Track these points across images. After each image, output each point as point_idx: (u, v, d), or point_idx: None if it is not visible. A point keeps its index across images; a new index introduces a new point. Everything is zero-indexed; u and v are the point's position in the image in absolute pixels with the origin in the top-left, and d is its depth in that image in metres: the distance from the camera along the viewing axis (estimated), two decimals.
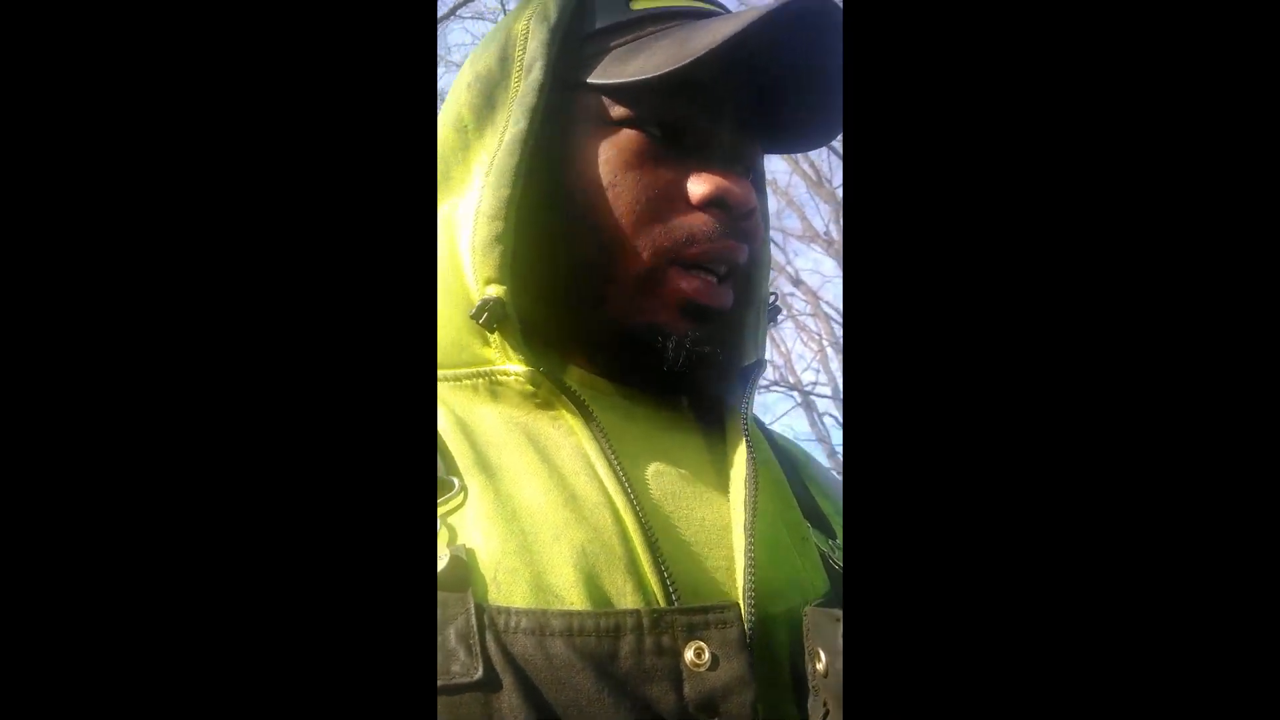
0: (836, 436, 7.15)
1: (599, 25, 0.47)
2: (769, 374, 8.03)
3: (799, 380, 7.47)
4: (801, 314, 7.56)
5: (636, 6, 0.47)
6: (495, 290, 0.43)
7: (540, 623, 0.34)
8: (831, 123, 0.51)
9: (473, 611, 0.34)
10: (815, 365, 7.51)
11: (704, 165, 0.46)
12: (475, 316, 0.43)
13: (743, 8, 0.49)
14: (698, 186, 0.46)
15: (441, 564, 0.34)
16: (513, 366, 0.44)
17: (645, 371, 0.47)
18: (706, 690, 0.34)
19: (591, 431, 0.42)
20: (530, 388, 0.44)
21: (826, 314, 7.18)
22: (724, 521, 0.42)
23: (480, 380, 0.45)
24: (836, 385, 7.12)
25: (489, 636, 0.33)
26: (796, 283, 7.15)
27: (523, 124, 0.44)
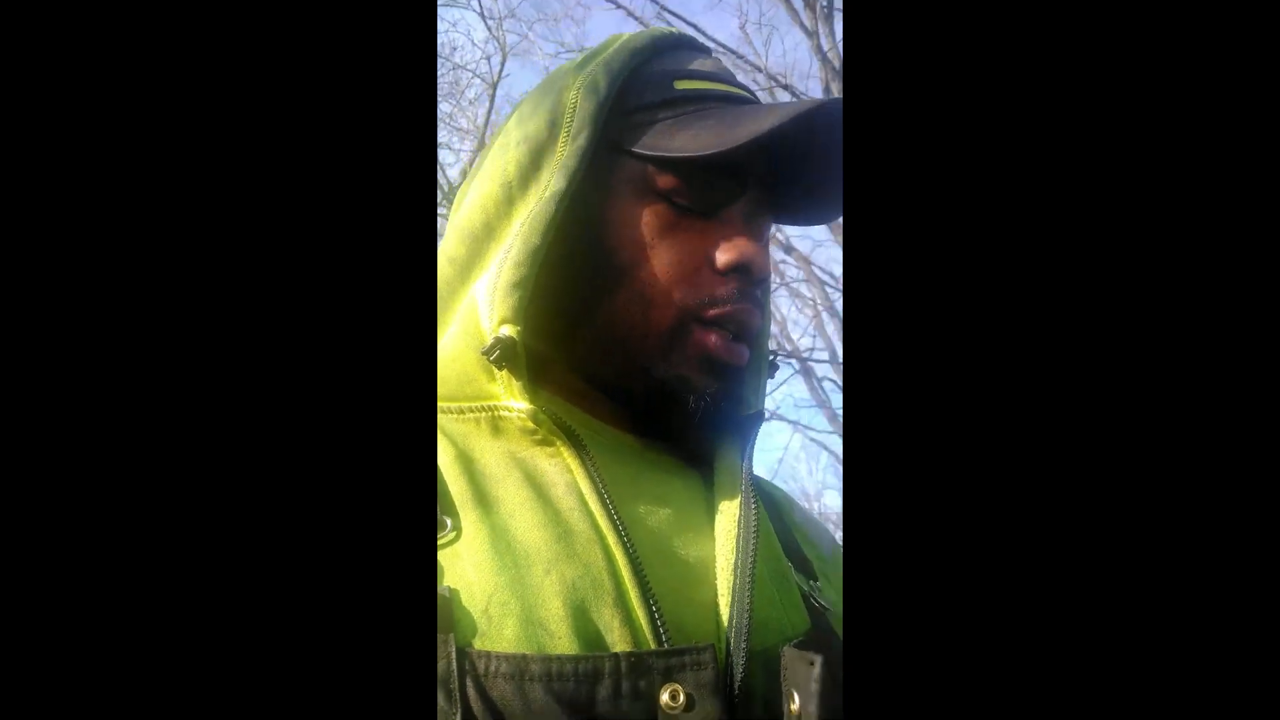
0: (836, 400, 7.17)
1: (645, 100, 0.52)
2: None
3: (796, 347, 7.47)
4: (795, 280, 7.54)
5: (680, 86, 0.52)
6: (509, 330, 0.46)
7: (520, 668, 0.35)
8: (834, 203, 0.56)
9: (453, 656, 0.34)
10: (811, 331, 7.52)
11: (729, 234, 0.51)
12: (487, 353, 0.46)
13: (771, 100, 0.54)
14: (723, 254, 0.50)
15: None
16: (515, 404, 0.47)
17: (658, 419, 0.51)
18: None
19: (586, 469, 0.45)
20: (531, 425, 0.47)
21: (820, 279, 7.16)
22: (710, 560, 0.45)
23: (484, 414, 0.48)
24: (834, 350, 7.12)
25: (468, 681, 0.34)
26: (788, 250, 7.11)
27: (562, 184, 0.48)
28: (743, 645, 0.39)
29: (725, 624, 0.41)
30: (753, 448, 0.52)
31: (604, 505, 0.43)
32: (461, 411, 0.49)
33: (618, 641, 0.38)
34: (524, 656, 0.35)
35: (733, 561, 0.43)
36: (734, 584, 0.42)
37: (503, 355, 0.45)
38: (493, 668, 0.35)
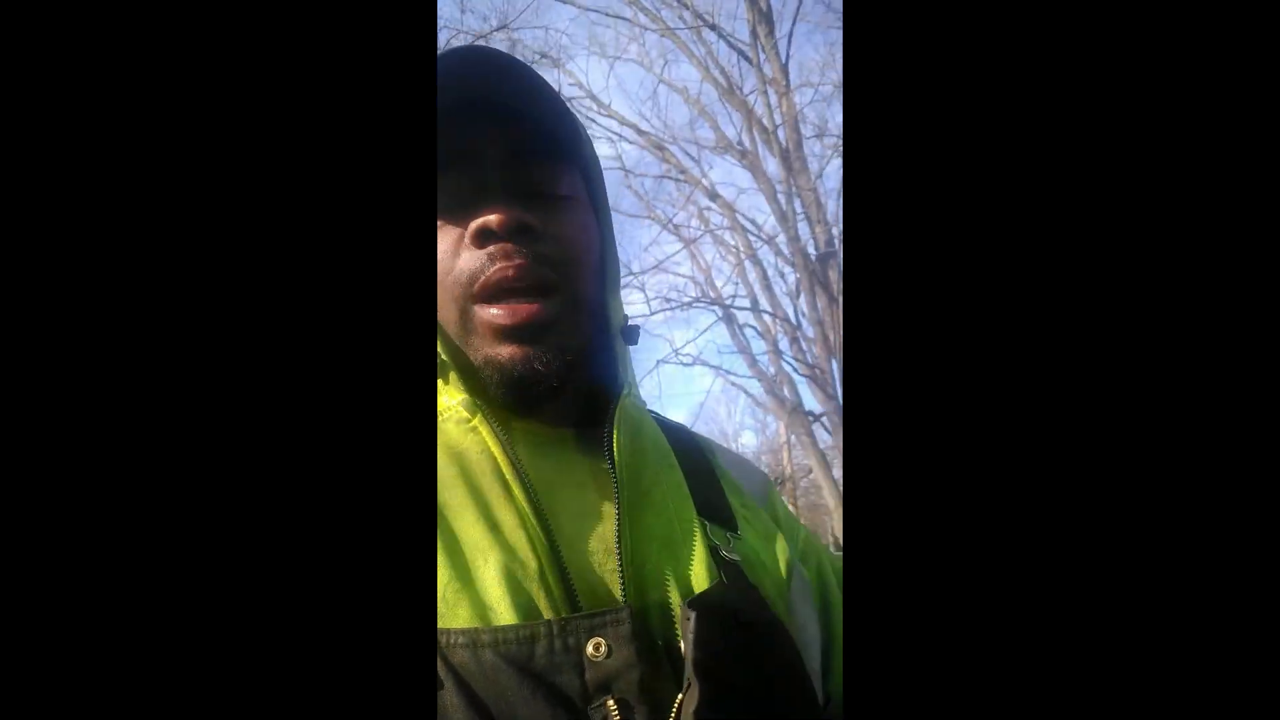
0: (758, 346, 7.27)
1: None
2: (691, 291, 8.06)
3: (719, 294, 7.51)
4: (719, 228, 7.55)
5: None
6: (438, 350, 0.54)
7: (473, 638, 0.43)
8: (539, 142, 0.57)
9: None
10: (734, 279, 7.56)
11: (471, 215, 0.53)
12: None
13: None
14: (470, 225, 0.53)
15: None
16: (449, 400, 0.53)
17: (528, 400, 0.54)
18: (603, 675, 0.43)
19: (509, 456, 0.50)
20: (465, 414, 0.52)
21: (743, 226, 7.17)
22: (611, 534, 0.51)
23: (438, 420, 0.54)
24: (755, 296, 7.18)
25: (439, 654, 0.43)
26: (713, 196, 7.10)
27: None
28: (637, 601, 0.48)
29: (619, 591, 0.48)
30: (613, 420, 0.55)
31: (525, 494, 0.49)
32: None
33: (545, 609, 0.45)
34: (475, 630, 0.43)
35: (615, 534, 0.51)
36: (618, 555, 0.49)
37: (439, 368, 0.54)
38: (452, 640, 0.43)
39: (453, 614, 0.44)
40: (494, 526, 0.48)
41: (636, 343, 0.62)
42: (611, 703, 0.43)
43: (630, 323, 0.61)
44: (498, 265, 0.52)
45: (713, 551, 0.52)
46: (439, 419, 0.52)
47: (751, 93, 7.00)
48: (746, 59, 6.88)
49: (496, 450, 0.50)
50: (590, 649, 0.43)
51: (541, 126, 0.56)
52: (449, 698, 0.41)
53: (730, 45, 6.90)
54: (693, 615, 0.45)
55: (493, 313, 0.52)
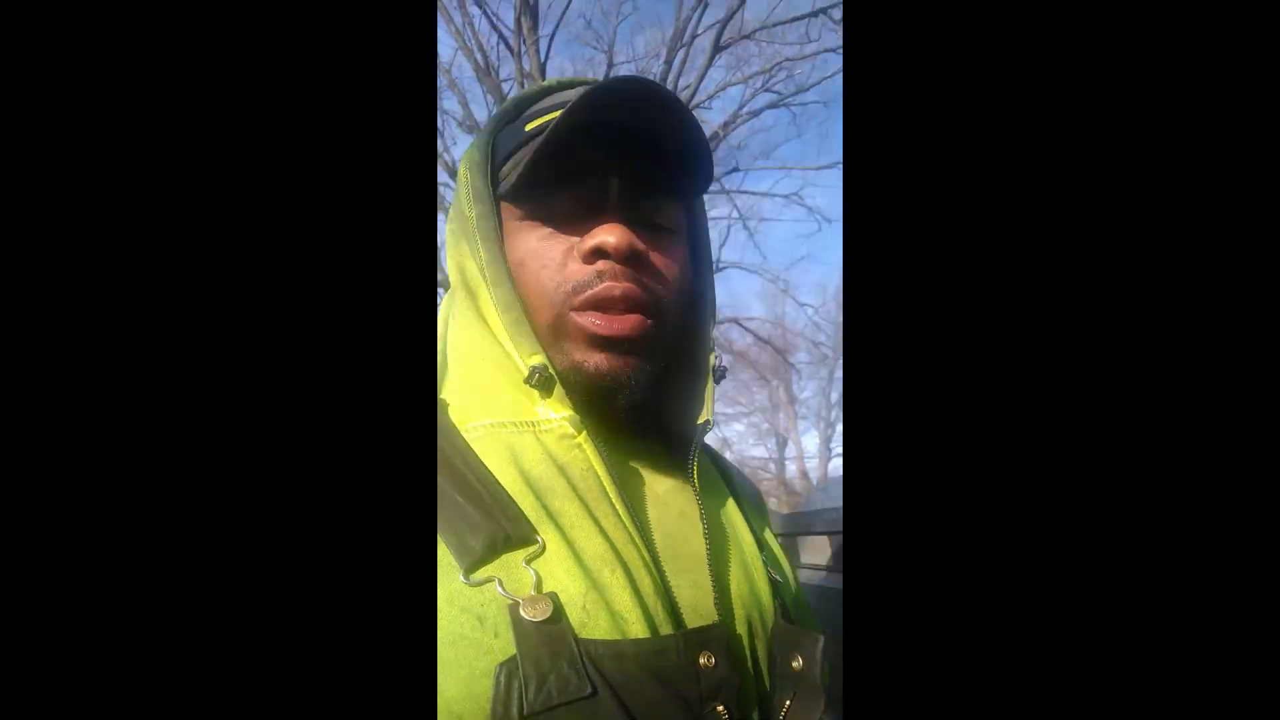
0: None
1: (504, 152, 0.60)
2: None
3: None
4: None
5: (528, 126, 0.59)
6: (537, 359, 0.54)
7: (619, 650, 0.46)
8: (688, 171, 0.60)
9: (574, 645, 0.45)
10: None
11: (587, 227, 0.56)
12: (528, 381, 0.54)
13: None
14: (583, 242, 0.56)
15: (546, 610, 0.46)
16: (554, 414, 0.55)
17: (602, 408, 0.56)
18: (713, 683, 0.48)
19: (612, 479, 0.53)
20: (570, 430, 0.54)
21: None
22: (700, 553, 0.56)
23: (529, 429, 0.55)
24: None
25: (587, 661, 0.45)
26: (452, 174, 6.89)
27: (486, 248, 0.58)
28: (731, 619, 0.54)
29: (713, 606, 0.53)
30: (697, 450, 0.59)
31: (628, 512, 0.52)
32: (516, 425, 0.55)
33: (664, 624, 0.49)
34: (618, 642, 0.46)
35: (705, 554, 0.56)
36: (710, 574, 0.55)
37: (542, 380, 0.54)
38: (597, 651, 0.45)
39: (594, 624, 0.47)
40: (609, 542, 0.51)
41: (720, 383, 0.64)
42: (720, 708, 0.48)
43: (720, 364, 0.64)
44: (605, 284, 0.55)
45: (772, 583, 0.59)
46: (536, 430, 0.54)
47: (507, 80, 6.90)
48: (508, 46, 6.77)
49: (600, 470, 0.54)
50: (702, 660, 0.48)
51: (677, 168, 0.59)
52: (604, 705, 0.44)
53: (493, 25, 6.76)
54: (821, 638, 0.53)
55: (593, 320, 0.55)
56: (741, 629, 0.54)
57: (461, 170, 0.62)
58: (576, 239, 0.56)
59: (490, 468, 0.52)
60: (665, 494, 0.59)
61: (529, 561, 0.48)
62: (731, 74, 7.49)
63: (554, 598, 0.47)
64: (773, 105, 7.62)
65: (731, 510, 0.63)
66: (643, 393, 0.56)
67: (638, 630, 0.48)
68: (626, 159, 0.57)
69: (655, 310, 0.57)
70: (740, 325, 9.58)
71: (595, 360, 0.55)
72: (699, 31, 6.84)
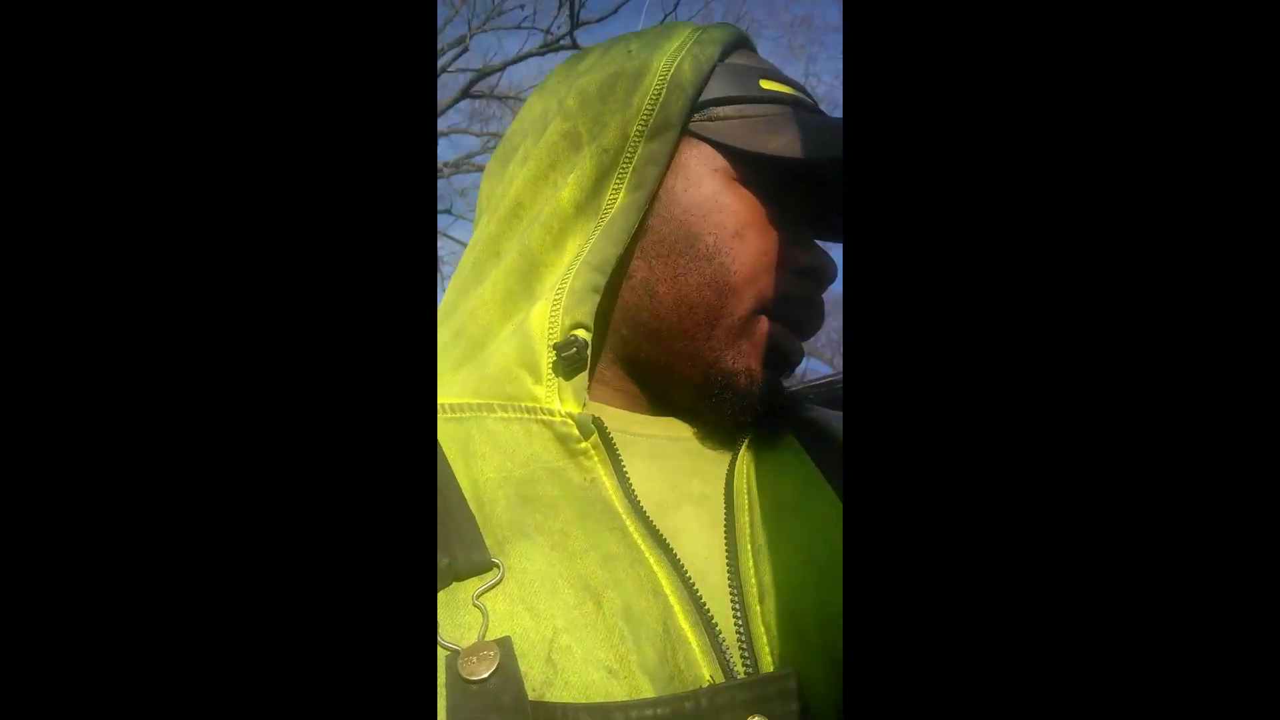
0: None
1: (729, 93, 0.50)
2: None
3: None
4: None
5: (765, 85, 0.51)
6: (583, 334, 0.44)
7: (603, 717, 0.32)
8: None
9: (529, 711, 0.32)
10: None
11: (806, 239, 0.52)
12: (560, 349, 0.44)
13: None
14: (805, 256, 0.50)
15: (490, 665, 0.33)
16: (560, 408, 0.44)
17: (707, 410, 0.49)
18: None
19: (621, 481, 0.43)
20: (574, 431, 0.44)
21: None
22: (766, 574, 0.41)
23: (521, 416, 0.45)
24: None
25: None
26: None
27: (642, 190, 0.47)
28: (811, 665, 0.36)
29: (766, 635, 0.37)
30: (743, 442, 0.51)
31: (639, 518, 0.41)
32: (510, 410, 0.45)
33: (674, 673, 0.35)
34: (603, 705, 0.32)
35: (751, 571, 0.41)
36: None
37: (572, 359, 0.44)
38: (568, 717, 0.32)
39: (565, 681, 0.33)
40: (606, 559, 0.38)
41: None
42: None
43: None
44: (813, 311, 0.52)
45: None
46: (535, 420, 0.44)
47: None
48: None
49: (607, 479, 0.42)
50: None
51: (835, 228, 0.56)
52: None
53: None
54: None
55: (782, 333, 0.50)
56: (825, 681, 0.36)
57: (636, 92, 0.49)
58: (792, 243, 0.50)
59: (458, 465, 0.42)
60: (712, 494, 0.46)
61: (479, 596, 0.36)
62: (470, 123, 7.40)
63: (503, 646, 0.34)
64: None
65: (818, 514, 0.46)
66: (757, 409, 0.49)
67: (635, 691, 0.33)
68: (836, 197, 0.53)
69: (808, 337, 0.54)
70: None
71: (764, 375, 0.49)
72: (449, 69, 6.65)
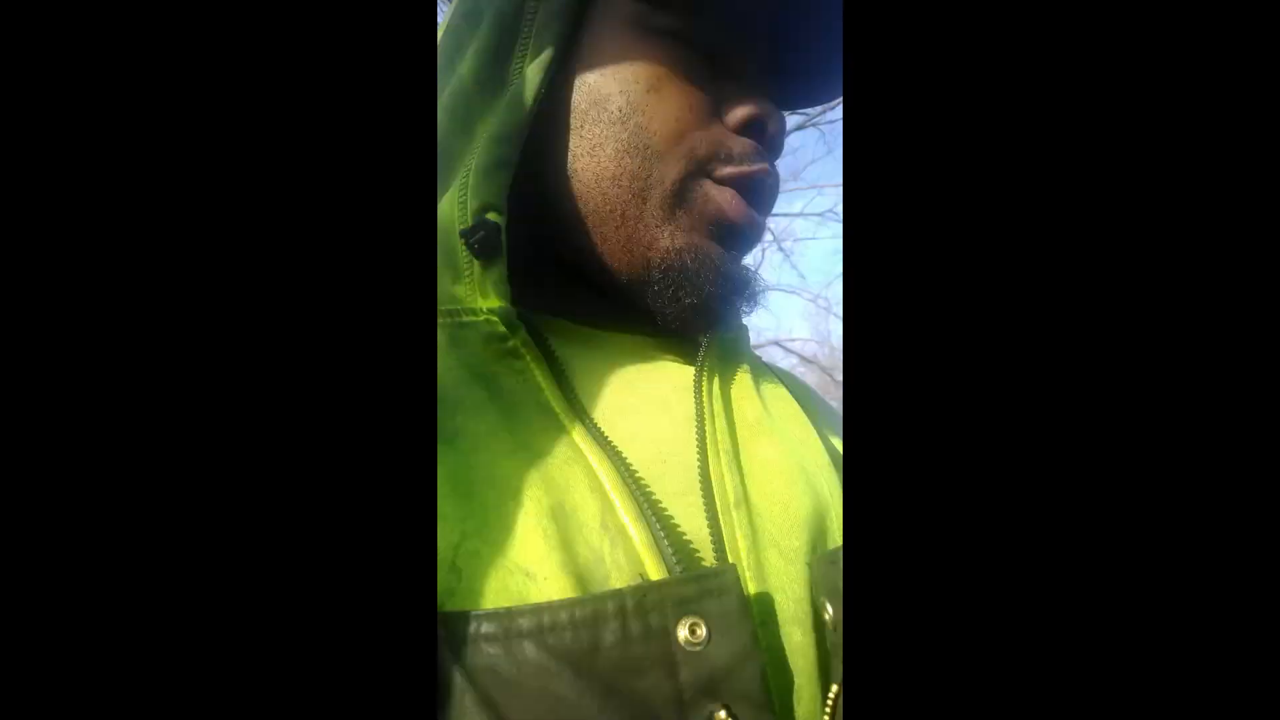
0: None
1: None
2: None
3: None
4: None
5: None
6: (494, 217, 0.39)
7: (505, 625, 0.28)
8: (828, 81, 0.50)
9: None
10: None
11: (740, 90, 0.44)
12: (467, 235, 0.39)
13: None
14: (740, 108, 0.44)
15: None
16: (483, 306, 0.39)
17: (656, 307, 0.43)
18: (706, 671, 0.29)
19: (558, 382, 0.39)
20: (502, 329, 0.39)
21: None
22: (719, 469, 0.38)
23: (444, 320, 0.40)
24: None
25: (447, 652, 0.28)
26: None
27: (548, 52, 0.41)
28: (760, 563, 0.34)
29: (740, 537, 0.34)
30: (741, 335, 0.48)
31: (580, 419, 0.37)
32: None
33: (611, 571, 0.31)
34: (508, 611, 0.29)
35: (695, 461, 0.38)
36: (701, 488, 0.36)
37: (486, 246, 0.38)
38: (471, 630, 0.28)
39: (469, 588, 0.29)
40: (534, 459, 0.34)
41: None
42: (722, 714, 0.29)
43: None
44: (755, 165, 0.43)
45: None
46: (455, 324, 0.40)
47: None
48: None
49: (544, 380, 0.38)
50: (684, 633, 0.29)
51: (816, 78, 0.49)
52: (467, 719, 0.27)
53: None
54: (836, 560, 0.34)
55: (730, 199, 0.42)
56: (784, 580, 0.34)
57: None
58: (723, 95, 0.44)
59: None
60: (664, 396, 0.42)
61: None
62: None
63: None
64: (800, 127, 7.63)
65: (790, 405, 0.46)
66: (713, 296, 0.43)
67: (555, 591, 0.30)
68: (785, 41, 0.46)
69: (764, 209, 0.46)
70: (782, 346, 9.46)
71: (714, 252, 0.42)
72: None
